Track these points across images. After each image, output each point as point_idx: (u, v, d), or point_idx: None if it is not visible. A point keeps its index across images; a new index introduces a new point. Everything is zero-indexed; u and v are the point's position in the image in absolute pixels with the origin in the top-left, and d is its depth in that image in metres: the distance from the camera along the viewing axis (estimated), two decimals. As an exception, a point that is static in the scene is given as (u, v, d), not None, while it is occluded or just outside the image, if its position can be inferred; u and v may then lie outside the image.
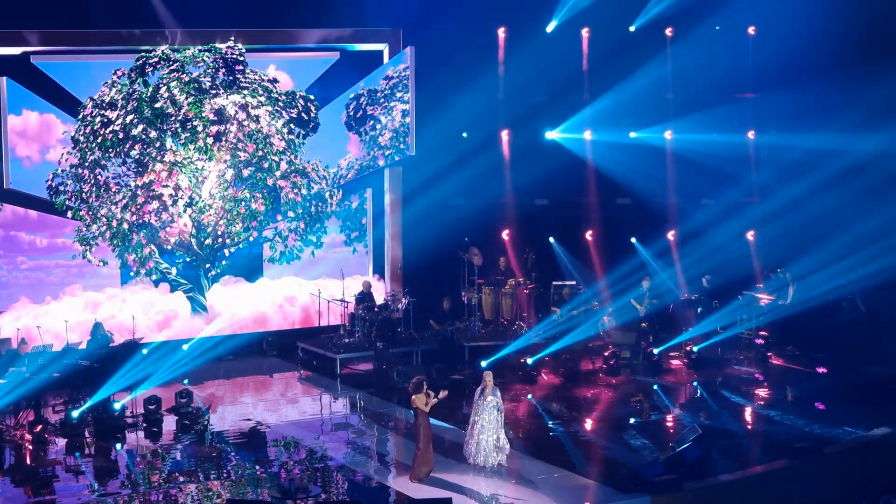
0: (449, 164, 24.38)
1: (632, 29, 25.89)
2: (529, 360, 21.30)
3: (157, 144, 22.33)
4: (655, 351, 22.16)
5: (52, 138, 22.42)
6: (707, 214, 25.81)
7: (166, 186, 22.39)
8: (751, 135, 26.83)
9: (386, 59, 24.74)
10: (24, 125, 22.24)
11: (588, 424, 18.67)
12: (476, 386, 16.13)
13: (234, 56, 22.82)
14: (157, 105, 22.23)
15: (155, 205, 22.46)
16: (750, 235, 26.17)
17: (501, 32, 25.28)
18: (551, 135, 26.13)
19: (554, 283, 24.72)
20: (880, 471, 16.27)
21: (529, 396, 20.28)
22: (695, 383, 21.09)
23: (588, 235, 26.33)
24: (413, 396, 15.39)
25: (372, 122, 24.69)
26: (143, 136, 22.24)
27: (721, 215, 25.64)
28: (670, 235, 26.27)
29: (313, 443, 17.62)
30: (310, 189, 23.73)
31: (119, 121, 22.13)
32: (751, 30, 25.96)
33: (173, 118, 22.27)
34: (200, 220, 22.98)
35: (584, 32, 25.79)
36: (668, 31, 26.01)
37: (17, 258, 22.34)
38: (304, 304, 24.31)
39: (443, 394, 15.62)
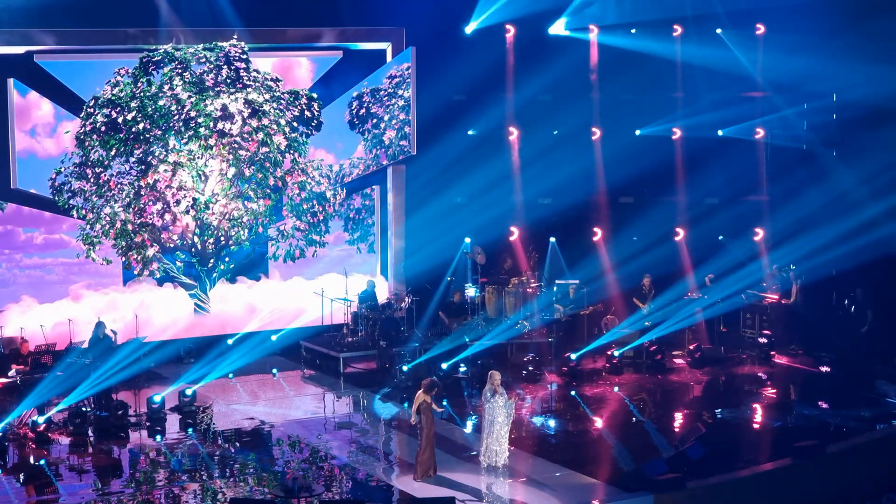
0: (453, 162, 24.38)
1: (633, 31, 25.87)
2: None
3: (161, 143, 22.35)
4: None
5: (55, 137, 22.46)
6: (712, 213, 25.81)
7: (169, 187, 22.41)
8: (759, 132, 26.77)
9: (389, 57, 24.74)
10: (27, 123, 22.29)
11: (591, 423, 18.66)
12: (479, 385, 16.13)
13: (237, 54, 22.82)
14: (161, 103, 22.25)
15: (159, 206, 22.49)
16: (756, 236, 26.13)
17: (506, 30, 25.26)
18: (556, 133, 26.12)
19: (557, 281, 24.70)
20: (883, 469, 16.27)
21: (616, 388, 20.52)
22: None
23: (592, 234, 26.30)
24: (422, 393, 15.37)
25: (375, 121, 24.70)
26: (146, 135, 22.26)
27: (727, 213, 25.66)
28: (677, 237, 26.21)
29: (316, 441, 17.63)
30: (312, 188, 23.73)
31: (122, 119, 22.15)
32: (759, 28, 25.88)
33: (176, 116, 22.28)
34: (203, 220, 22.98)
35: (590, 31, 25.74)
36: (677, 30, 25.97)
37: (15, 255, 22.37)
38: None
39: (441, 409, 15.71)
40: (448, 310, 23.06)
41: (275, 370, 21.95)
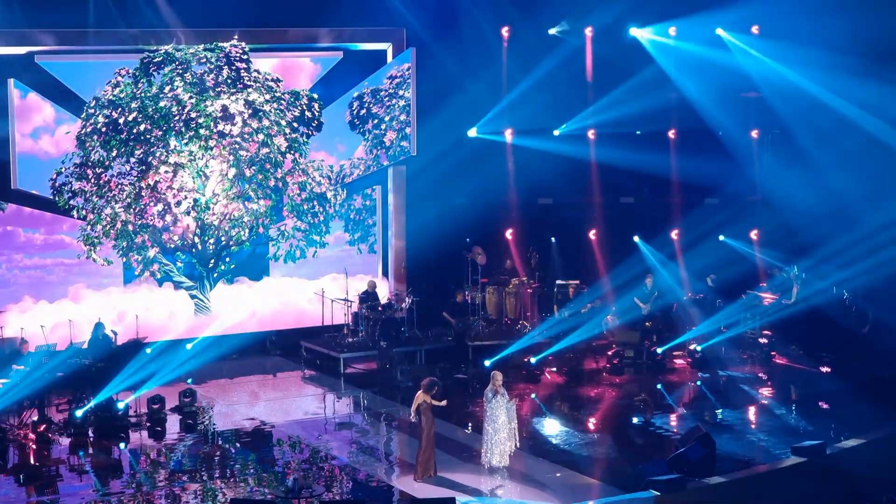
0: (453, 162, 24.38)
1: (632, 31, 25.85)
2: (533, 360, 21.33)
3: (161, 144, 22.35)
4: (659, 350, 22.16)
5: (56, 137, 22.46)
6: (710, 213, 25.82)
7: (170, 188, 22.41)
8: (754, 134, 26.79)
9: (390, 58, 24.73)
10: (27, 124, 22.29)
11: (592, 424, 18.68)
12: (480, 385, 16.12)
13: (238, 54, 22.82)
14: (162, 104, 22.25)
15: (160, 207, 22.49)
16: (753, 234, 26.15)
17: (505, 32, 25.25)
18: (554, 133, 26.12)
19: (558, 282, 24.71)
20: (883, 470, 16.25)
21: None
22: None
23: (591, 234, 26.33)
24: (422, 393, 15.36)
25: (375, 122, 24.69)
26: (147, 136, 22.26)
27: (725, 214, 25.67)
28: (674, 234, 26.24)
29: (317, 442, 17.63)
30: (313, 189, 23.72)
31: (122, 120, 22.15)
32: (754, 29, 25.87)
33: (177, 117, 22.28)
34: (204, 220, 22.98)
35: (588, 32, 25.73)
36: (671, 31, 25.94)
37: (15, 256, 22.35)
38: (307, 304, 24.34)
39: (443, 402, 15.72)
40: (452, 310, 23.07)
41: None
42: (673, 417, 19.06)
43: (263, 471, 16.20)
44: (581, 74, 25.79)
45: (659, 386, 20.95)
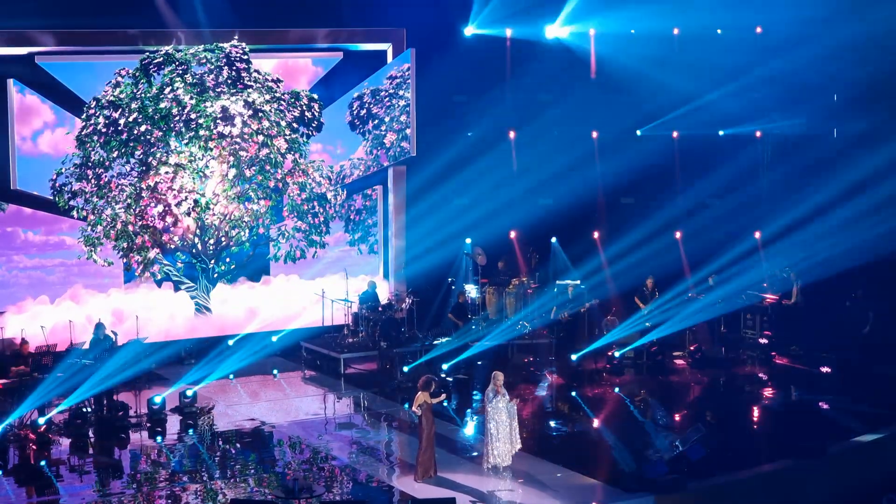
0: (453, 163, 24.40)
1: (632, 31, 25.88)
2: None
3: (161, 145, 22.34)
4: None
5: (56, 138, 22.47)
6: (712, 213, 25.85)
7: (171, 189, 22.40)
8: (758, 134, 26.83)
9: (390, 58, 24.74)
10: (27, 124, 22.30)
11: (592, 424, 18.67)
12: (481, 386, 16.12)
13: (238, 55, 22.82)
14: (162, 105, 22.24)
15: (160, 208, 22.48)
16: (756, 235, 26.17)
17: (507, 32, 25.27)
18: (556, 133, 26.13)
19: (558, 282, 24.72)
20: (883, 470, 16.28)
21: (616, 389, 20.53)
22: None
23: (594, 235, 26.33)
24: (421, 392, 15.37)
25: (375, 122, 24.69)
26: (147, 137, 22.25)
27: (726, 214, 25.70)
28: (677, 235, 26.24)
29: (317, 442, 17.63)
30: (313, 189, 23.72)
31: (123, 120, 22.15)
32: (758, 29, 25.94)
33: (177, 118, 22.27)
34: (204, 221, 22.97)
35: (590, 32, 25.76)
36: (675, 31, 25.99)
37: (14, 256, 22.35)
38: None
39: (442, 397, 15.72)
40: (456, 311, 23.10)
41: (275, 371, 21.90)
42: (673, 418, 19.07)
43: (264, 471, 16.20)
44: (583, 73, 25.83)
45: (659, 386, 20.97)
